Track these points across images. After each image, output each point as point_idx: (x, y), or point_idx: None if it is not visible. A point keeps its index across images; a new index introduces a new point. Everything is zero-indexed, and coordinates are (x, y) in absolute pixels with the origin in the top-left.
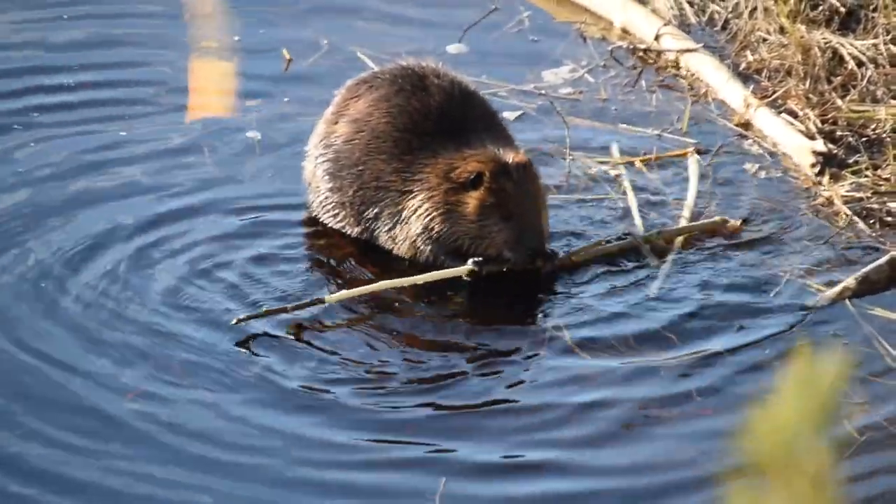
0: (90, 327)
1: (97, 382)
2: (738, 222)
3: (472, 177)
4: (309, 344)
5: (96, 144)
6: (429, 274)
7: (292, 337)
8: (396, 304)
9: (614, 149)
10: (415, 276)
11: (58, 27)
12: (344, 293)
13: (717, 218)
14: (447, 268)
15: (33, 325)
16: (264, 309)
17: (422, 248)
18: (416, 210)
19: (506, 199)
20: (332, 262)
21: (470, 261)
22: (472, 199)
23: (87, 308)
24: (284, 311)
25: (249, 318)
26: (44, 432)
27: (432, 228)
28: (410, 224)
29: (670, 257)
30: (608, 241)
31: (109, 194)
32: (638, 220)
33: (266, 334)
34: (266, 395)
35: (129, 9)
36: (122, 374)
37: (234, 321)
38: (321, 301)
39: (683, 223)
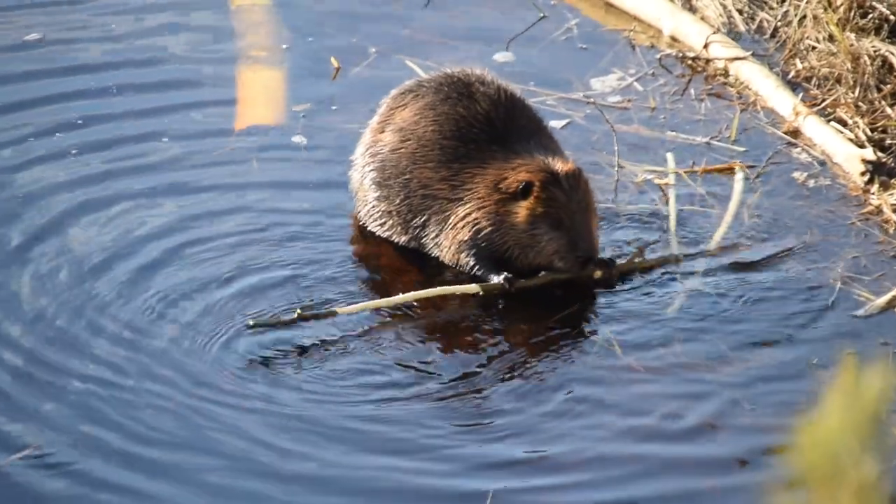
0: (130, 325)
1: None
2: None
3: (522, 186)
4: (352, 344)
5: (140, 150)
6: (439, 289)
7: (322, 338)
8: (434, 309)
9: (670, 159)
10: (422, 291)
11: (105, 36)
12: (355, 307)
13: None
14: (480, 278)
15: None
16: (279, 318)
17: (464, 256)
18: (464, 217)
19: (556, 208)
20: (376, 271)
21: (501, 276)
22: (521, 209)
23: (128, 305)
24: (294, 321)
25: (261, 325)
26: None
27: (480, 236)
28: (458, 231)
29: (698, 277)
30: (648, 250)
31: (153, 200)
32: (673, 237)
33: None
34: (301, 402)
35: (177, 18)
36: (157, 373)
37: (250, 324)
38: (333, 314)
39: (718, 237)
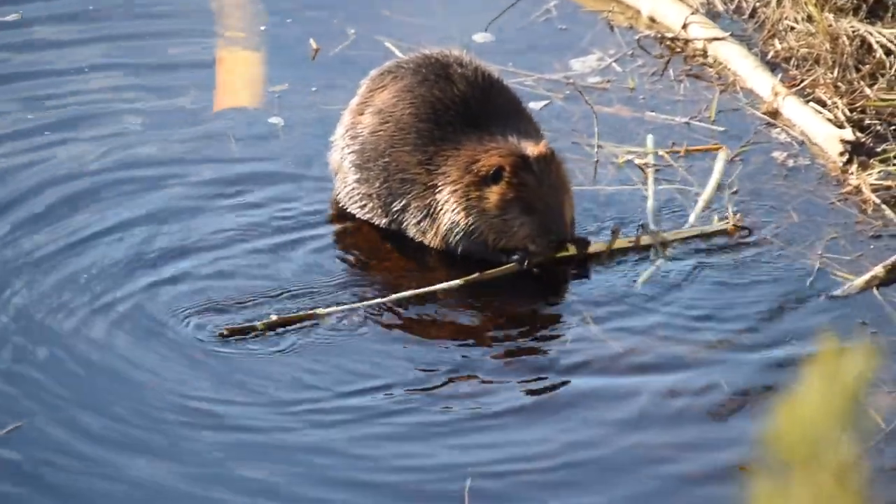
0: (113, 318)
1: (120, 376)
2: (735, 220)
3: (493, 171)
4: (328, 337)
5: (115, 131)
6: (431, 287)
7: (314, 330)
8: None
9: (649, 140)
10: (410, 291)
11: (85, 17)
12: (335, 309)
13: (720, 224)
14: (488, 262)
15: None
16: (254, 325)
17: (453, 242)
18: (442, 205)
19: (527, 192)
20: (356, 255)
21: (512, 258)
22: (493, 194)
23: (108, 297)
24: (276, 325)
25: (236, 331)
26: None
27: (458, 223)
28: (439, 218)
29: (669, 252)
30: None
31: (130, 184)
32: (651, 217)
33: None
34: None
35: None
36: (139, 365)
37: (222, 332)
38: (316, 316)
39: (693, 218)
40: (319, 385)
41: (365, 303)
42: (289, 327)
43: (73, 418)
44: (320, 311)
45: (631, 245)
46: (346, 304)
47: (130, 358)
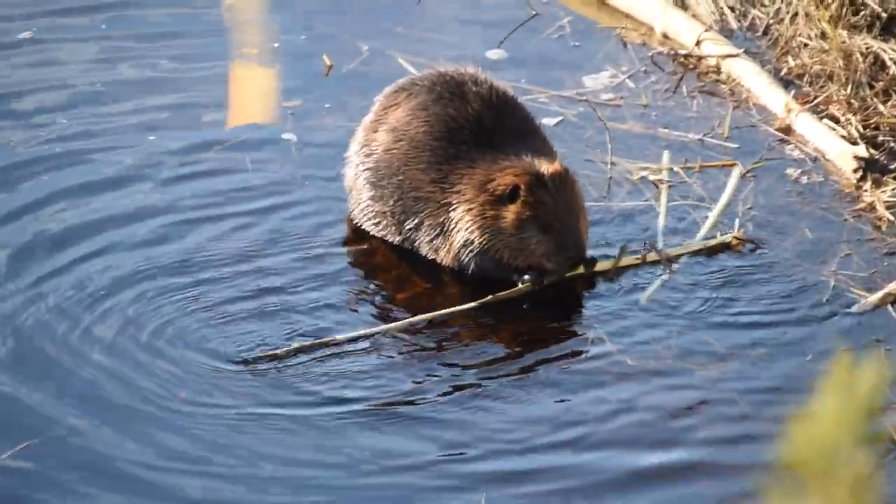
0: (128, 335)
1: (140, 389)
2: (738, 236)
3: (509, 190)
4: (340, 352)
5: (128, 150)
6: (445, 311)
7: (328, 352)
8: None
9: (665, 156)
10: (426, 315)
11: (95, 29)
12: (353, 335)
13: (724, 237)
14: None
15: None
16: (280, 350)
17: (466, 260)
18: (456, 223)
19: (543, 211)
20: (370, 274)
21: (524, 278)
22: (509, 213)
23: (124, 312)
24: (298, 351)
25: (260, 358)
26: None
27: (473, 241)
28: (452, 236)
29: (677, 267)
30: (630, 250)
31: (143, 199)
32: (660, 236)
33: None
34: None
35: (168, 13)
36: (166, 381)
37: (247, 361)
38: (333, 342)
39: (702, 233)
40: (323, 405)
41: (381, 327)
42: (308, 351)
43: (76, 442)
44: (339, 338)
45: (638, 262)
46: (361, 327)
47: (143, 384)
